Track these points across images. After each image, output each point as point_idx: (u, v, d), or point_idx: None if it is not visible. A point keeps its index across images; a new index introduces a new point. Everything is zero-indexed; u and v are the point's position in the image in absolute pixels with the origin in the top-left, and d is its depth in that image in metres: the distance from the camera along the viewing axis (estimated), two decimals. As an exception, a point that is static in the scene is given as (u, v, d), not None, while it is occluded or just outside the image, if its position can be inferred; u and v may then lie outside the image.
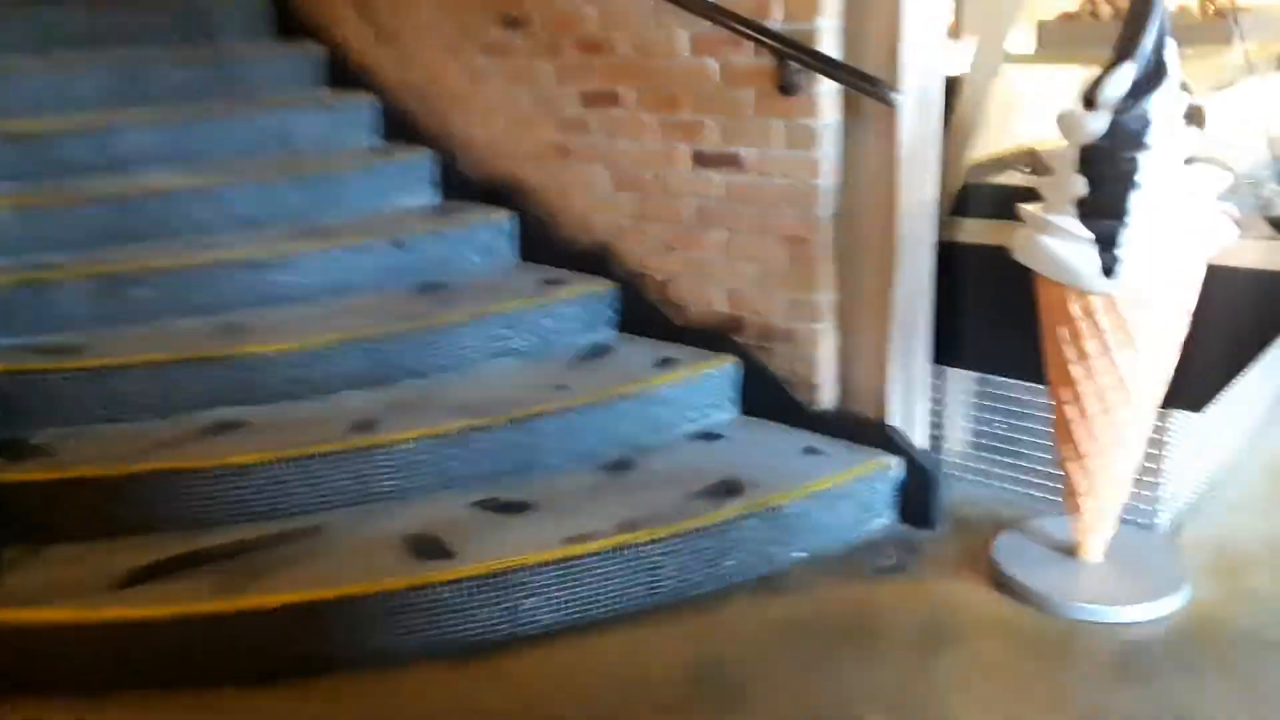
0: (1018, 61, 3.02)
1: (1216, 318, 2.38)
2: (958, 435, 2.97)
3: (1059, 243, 2.23)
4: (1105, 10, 3.31)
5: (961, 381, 2.94)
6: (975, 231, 2.78)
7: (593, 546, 2.36)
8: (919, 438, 2.80)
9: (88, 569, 2.33)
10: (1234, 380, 2.64)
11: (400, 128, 3.79)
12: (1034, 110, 2.94)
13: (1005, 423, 2.89)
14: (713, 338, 3.02)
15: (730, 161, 2.87)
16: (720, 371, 2.96)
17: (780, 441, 2.83)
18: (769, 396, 2.92)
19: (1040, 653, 2.26)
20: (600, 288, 3.22)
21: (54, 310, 2.91)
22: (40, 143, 3.28)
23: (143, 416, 2.72)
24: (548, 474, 2.68)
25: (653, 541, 2.40)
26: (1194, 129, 2.24)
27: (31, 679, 2.19)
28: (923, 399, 2.80)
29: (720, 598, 2.44)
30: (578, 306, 3.17)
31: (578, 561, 2.34)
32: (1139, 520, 2.68)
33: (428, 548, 2.37)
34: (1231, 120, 2.85)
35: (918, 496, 2.71)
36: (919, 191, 2.62)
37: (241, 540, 2.42)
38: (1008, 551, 2.56)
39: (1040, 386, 2.59)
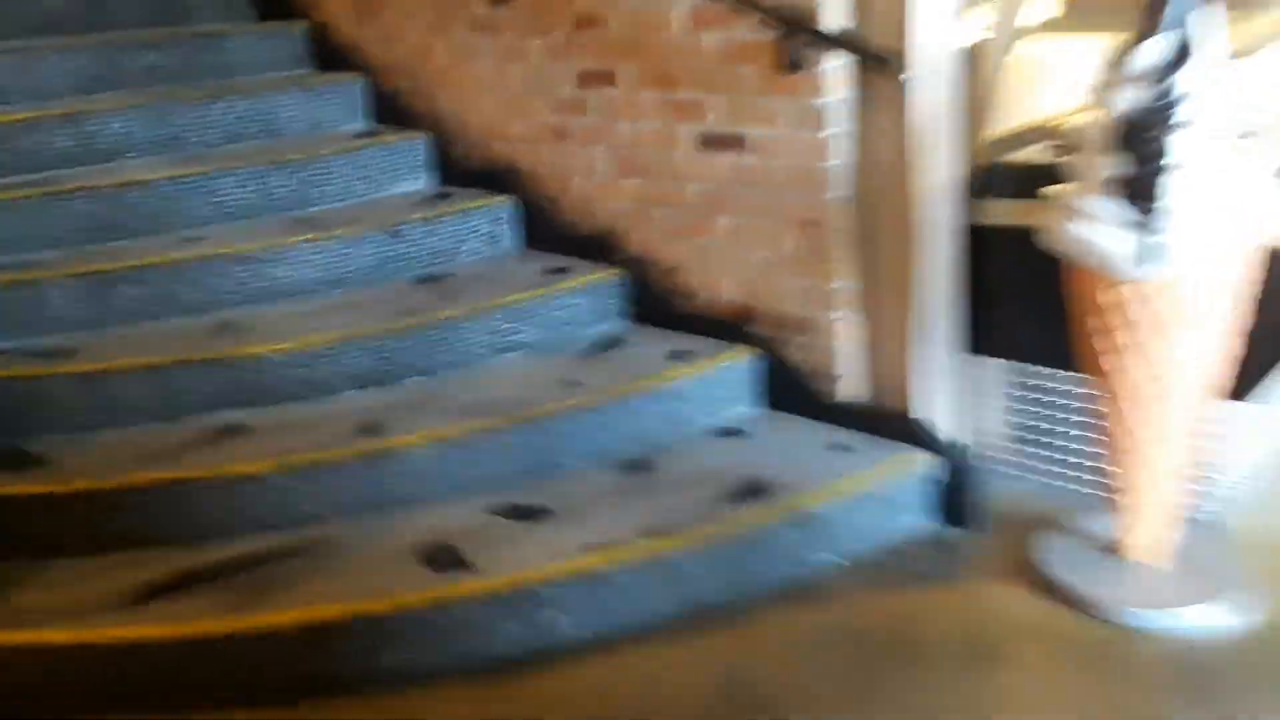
0: (1045, 30, 2.90)
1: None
2: (993, 428, 2.86)
3: (1090, 227, 2.13)
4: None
5: (995, 371, 2.83)
6: (1005, 212, 2.67)
7: (615, 555, 2.27)
8: (950, 431, 2.68)
9: (92, 586, 2.26)
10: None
11: (390, 110, 3.67)
12: (1063, 83, 2.84)
13: (1044, 414, 2.77)
14: (726, 327, 2.93)
15: (735, 143, 2.77)
16: (737, 364, 2.86)
17: (803, 437, 2.74)
18: (788, 389, 2.83)
19: (1092, 664, 2.13)
20: (607, 276, 3.12)
21: (43, 311, 2.83)
22: (16, 133, 3.16)
23: (143, 421, 2.64)
24: (563, 475, 2.58)
25: (676, 549, 2.31)
26: (1235, 101, 2.15)
27: (31, 704, 2.12)
28: (953, 390, 2.69)
29: (749, 608, 2.33)
30: (585, 296, 3.07)
31: (600, 572, 2.25)
32: (1195, 517, 2.50)
33: (443, 558, 2.28)
34: (1261, 87, 2.75)
35: (951, 494, 2.61)
36: (936, 171, 2.52)
37: (248, 553, 2.34)
38: (1051, 552, 2.44)
39: (1080, 375, 2.51)
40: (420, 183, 3.51)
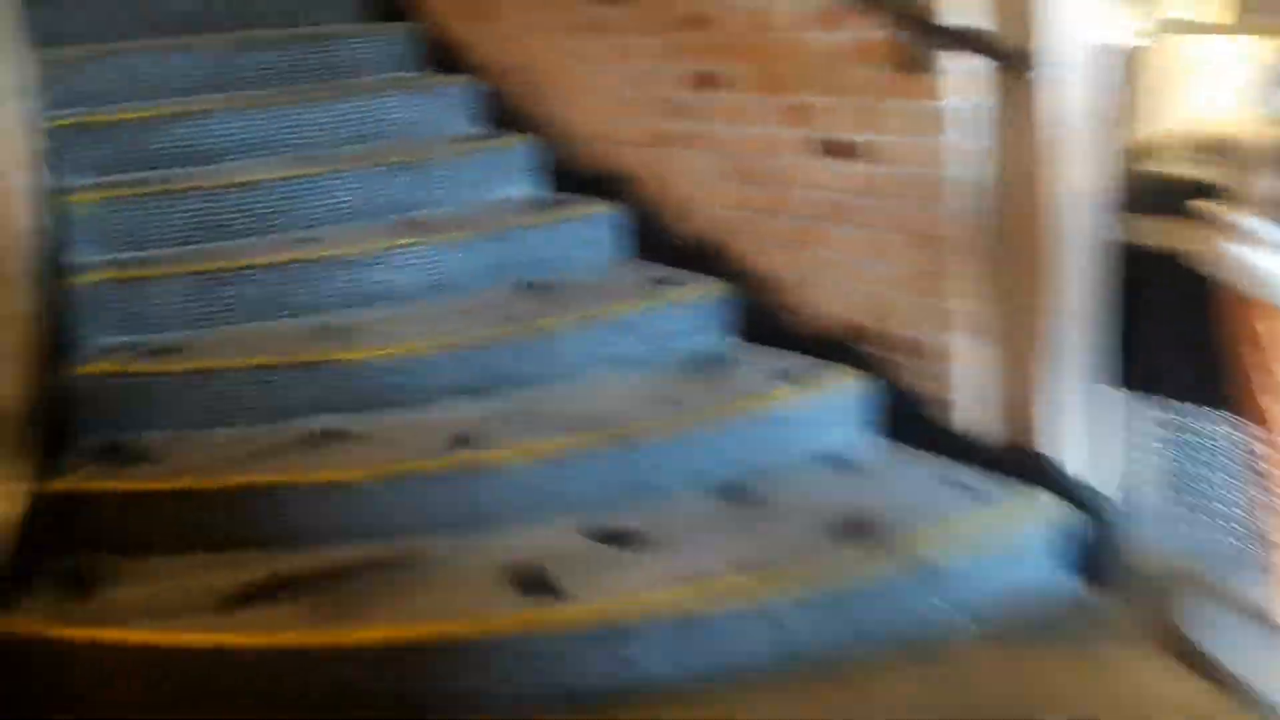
0: (1211, 31, 2.68)
1: None
2: (1134, 471, 2.60)
3: (1250, 250, 1.95)
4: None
5: (1138, 408, 2.59)
6: (1154, 230, 2.46)
7: (708, 590, 2.16)
8: (1084, 472, 2.45)
9: (183, 588, 2.25)
10: None
11: (499, 112, 3.64)
12: (1224, 88, 2.61)
13: (1193, 458, 2.54)
14: (835, 347, 2.79)
15: (850, 150, 2.64)
16: (846, 386, 2.72)
17: (916, 470, 2.58)
18: (901, 416, 2.68)
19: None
20: (712, 288, 3.01)
21: (151, 309, 2.87)
22: (132, 131, 3.22)
23: (245, 422, 2.65)
24: (658, 498, 2.48)
25: (773, 589, 2.17)
26: None
27: (106, 704, 2.11)
28: (1088, 427, 2.47)
29: (852, 660, 2.15)
30: (689, 309, 2.97)
31: (692, 608, 2.13)
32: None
33: (532, 581, 2.21)
34: None
35: (1085, 544, 2.38)
36: (1074, 182, 2.34)
37: (338, 562, 2.30)
38: (1199, 620, 2.20)
39: (1235, 415, 2.28)
40: (527, 187, 3.46)
